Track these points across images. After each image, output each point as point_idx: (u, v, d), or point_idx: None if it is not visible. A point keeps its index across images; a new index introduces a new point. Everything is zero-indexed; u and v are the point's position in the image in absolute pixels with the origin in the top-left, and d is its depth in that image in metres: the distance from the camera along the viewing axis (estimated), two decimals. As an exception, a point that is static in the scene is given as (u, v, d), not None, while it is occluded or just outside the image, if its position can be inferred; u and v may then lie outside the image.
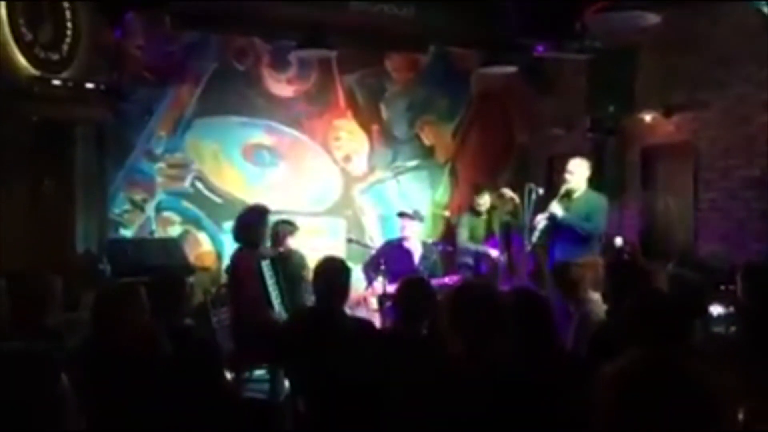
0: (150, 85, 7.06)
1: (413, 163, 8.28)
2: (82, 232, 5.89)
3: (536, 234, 6.06)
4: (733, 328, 4.01)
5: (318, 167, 7.90)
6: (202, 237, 7.37)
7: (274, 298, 5.18)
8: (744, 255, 5.79)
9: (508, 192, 6.84)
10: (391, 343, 3.64)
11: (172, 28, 6.84)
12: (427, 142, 8.36)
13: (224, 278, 6.10)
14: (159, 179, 7.22)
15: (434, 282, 6.11)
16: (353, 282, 4.16)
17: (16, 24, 5.41)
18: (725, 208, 6.47)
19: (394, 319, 4.11)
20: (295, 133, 7.79)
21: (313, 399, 3.68)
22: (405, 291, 3.77)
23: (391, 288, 5.64)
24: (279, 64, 7.62)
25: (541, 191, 6.34)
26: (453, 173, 8.46)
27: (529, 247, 6.19)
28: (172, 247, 6.61)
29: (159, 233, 7.19)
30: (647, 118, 7.03)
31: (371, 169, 8.12)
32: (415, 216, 6.84)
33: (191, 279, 5.52)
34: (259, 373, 5.43)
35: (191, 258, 6.80)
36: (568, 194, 6.04)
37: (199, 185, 7.39)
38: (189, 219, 7.35)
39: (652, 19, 5.32)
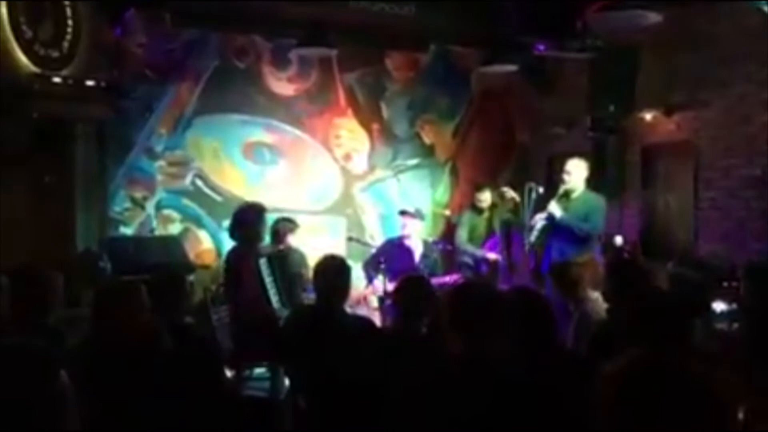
0: (150, 83, 7.05)
1: (414, 161, 8.28)
2: (82, 229, 5.89)
3: (534, 234, 6.08)
4: (735, 325, 4.01)
5: (318, 166, 7.90)
6: (203, 235, 7.37)
7: (273, 296, 5.18)
8: (744, 254, 5.79)
9: (509, 191, 6.84)
10: (391, 341, 3.64)
11: (172, 26, 6.83)
12: (427, 140, 8.36)
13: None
14: (159, 177, 7.22)
15: (435, 281, 6.12)
16: (353, 280, 4.16)
17: (16, 21, 5.41)
18: (726, 208, 6.48)
19: (393, 318, 4.11)
20: (296, 131, 7.79)
21: (314, 397, 3.68)
22: (404, 289, 3.77)
23: (392, 286, 5.64)
24: (279, 62, 7.62)
25: (541, 190, 6.34)
26: (453, 172, 8.46)
27: (527, 247, 6.20)
28: (173, 245, 6.61)
29: (159, 231, 7.19)
30: (648, 117, 7.03)
31: (371, 168, 8.12)
32: (417, 215, 6.84)
33: (191, 277, 5.51)
34: (259, 371, 5.43)
35: (191, 256, 6.80)
36: (567, 194, 6.06)
37: (200, 183, 7.39)
38: (189, 217, 7.35)
39: (653, 18, 5.31)
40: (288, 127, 7.75)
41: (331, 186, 7.97)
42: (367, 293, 6.60)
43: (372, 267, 6.50)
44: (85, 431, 1.62)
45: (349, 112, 8.01)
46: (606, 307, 3.92)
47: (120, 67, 6.48)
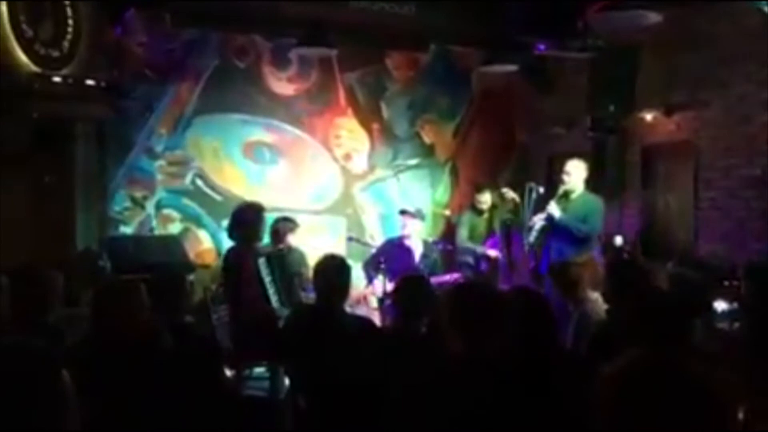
0: (150, 83, 7.05)
1: (414, 161, 8.28)
2: (82, 229, 5.89)
3: (533, 234, 6.09)
4: (736, 325, 4.01)
5: (318, 165, 7.90)
6: (202, 234, 7.38)
7: (272, 295, 5.18)
8: (744, 254, 5.79)
9: (509, 192, 6.84)
10: (391, 341, 3.64)
11: (172, 26, 6.83)
12: (427, 140, 8.36)
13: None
14: (159, 177, 7.22)
15: (434, 279, 6.14)
16: (353, 280, 4.16)
17: (16, 21, 5.41)
18: (726, 208, 6.48)
19: (393, 317, 4.11)
20: (296, 131, 7.79)
21: (313, 397, 3.68)
22: (404, 289, 3.77)
23: (392, 286, 5.64)
24: (280, 61, 7.62)
25: (541, 190, 6.35)
26: (453, 172, 8.46)
27: (527, 247, 6.22)
28: (172, 244, 6.61)
29: (159, 231, 7.19)
30: (648, 117, 7.03)
31: (371, 168, 8.12)
32: (417, 215, 6.84)
33: (191, 276, 5.52)
34: (259, 370, 5.43)
35: (191, 255, 6.80)
36: (566, 195, 6.07)
37: (200, 183, 7.39)
38: (189, 216, 7.35)
39: (654, 18, 5.31)
40: (288, 127, 7.75)
41: (331, 186, 7.97)
42: (367, 293, 6.60)
43: (372, 267, 6.50)
44: (85, 431, 1.62)
45: (349, 111, 8.01)
46: (605, 307, 3.92)
47: (120, 67, 6.49)
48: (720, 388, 1.39)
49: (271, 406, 4.74)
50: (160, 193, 7.24)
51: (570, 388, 2.35)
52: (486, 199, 7.12)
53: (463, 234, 7.10)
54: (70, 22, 5.80)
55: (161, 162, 7.23)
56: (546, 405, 2.45)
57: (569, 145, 7.44)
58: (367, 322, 4.07)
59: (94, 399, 2.59)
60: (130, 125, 6.96)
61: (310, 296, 5.26)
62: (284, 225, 6.22)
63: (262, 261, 5.22)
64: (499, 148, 8.50)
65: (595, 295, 4.16)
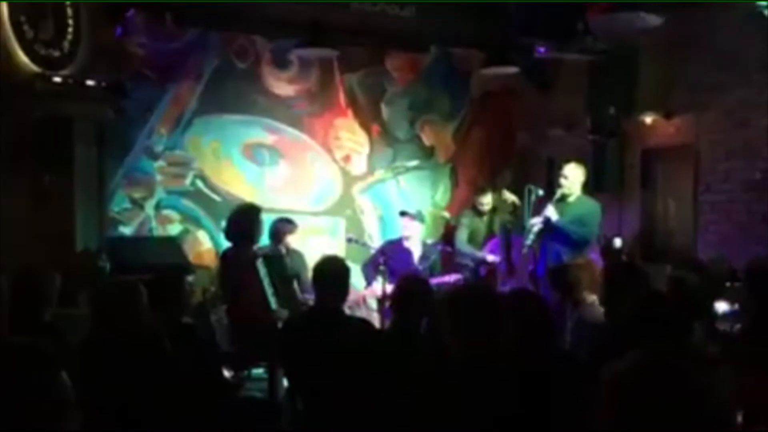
0: (151, 83, 7.05)
1: (413, 163, 8.28)
2: (81, 229, 5.88)
3: (531, 237, 6.11)
4: (738, 326, 4.02)
5: (318, 167, 7.90)
6: (202, 235, 7.37)
7: (270, 296, 5.17)
8: (744, 257, 5.79)
9: (509, 195, 6.85)
10: (390, 343, 3.64)
11: (173, 26, 6.83)
12: (427, 142, 8.35)
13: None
14: (159, 177, 7.21)
15: (434, 280, 6.14)
16: (352, 282, 4.16)
17: (17, 21, 5.41)
18: (725, 211, 6.48)
19: (392, 319, 4.11)
20: (296, 132, 7.79)
21: (312, 399, 3.68)
22: (403, 291, 3.77)
23: (391, 288, 5.64)
24: (280, 62, 7.62)
25: (540, 192, 6.36)
26: (453, 173, 8.46)
27: (525, 249, 6.23)
28: (172, 245, 6.61)
29: (158, 231, 7.18)
30: (648, 120, 7.03)
31: (371, 169, 8.12)
32: (417, 216, 6.84)
33: (190, 277, 5.52)
34: (257, 372, 5.43)
35: (190, 256, 6.79)
36: (563, 198, 6.10)
37: (199, 183, 7.38)
38: (189, 217, 7.34)
39: (654, 21, 5.32)
40: (288, 128, 7.75)
41: (330, 187, 7.97)
42: (366, 294, 6.60)
43: (371, 268, 6.50)
44: (85, 431, 1.62)
45: (350, 113, 8.01)
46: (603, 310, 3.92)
47: (120, 67, 6.48)
48: (719, 390, 1.39)
49: (270, 408, 4.73)
50: (160, 194, 7.23)
51: (569, 391, 2.35)
52: (487, 201, 7.12)
53: (462, 236, 7.10)
54: (71, 22, 5.80)
55: (161, 162, 7.22)
56: (545, 407, 2.45)
57: (569, 148, 7.44)
58: (366, 324, 4.07)
59: (94, 399, 2.59)
60: (130, 126, 6.96)
61: (309, 298, 5.26)
62: (283, 226, 6.22)
63: (260, 262, 5.22)
64: (499, 150, 8.50)
65: (593, 298, 4.17)
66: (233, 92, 7.44)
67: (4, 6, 5.34)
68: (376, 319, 6.08)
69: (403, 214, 6.92)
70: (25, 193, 5.41)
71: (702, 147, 6.68)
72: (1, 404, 1.48)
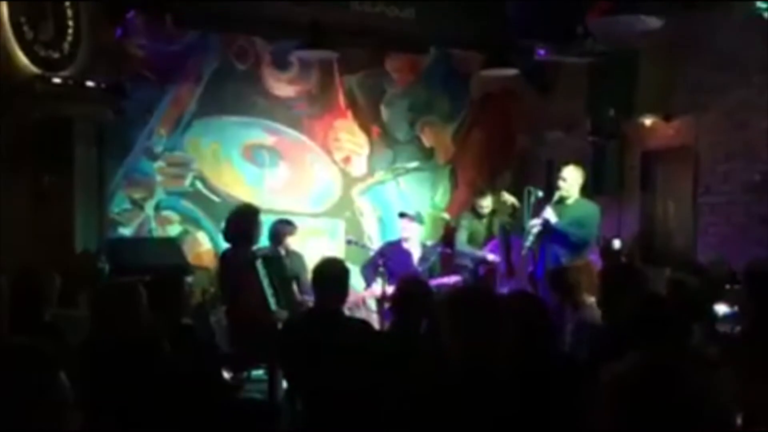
0: (150, 84, 7.05)
1: (413, 164, 8.28)
2: (81, 230, 5.88)
3: (530, 239, 6.13)
4: (738, 328, 4.02)
5: (318, 168, 7.90)
6: (201, 236, 7.37)
7: (270, 297, 5.17)
8: (743, 259, 5.79)
9: (509, 198, 6.86)
10: (390, 344, 3.65)
11: (173, 28, 6.84)
12: (427, 143, 8.36)
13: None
14: (158, 178, 7.21)
15: (434, 281, 6.15)
16: (352, 283, 4.16)
17: (17, 22, 5.41)
18: (725, 213, 6.49)
19: (392, 321, 4.11)
20: (295, 133, 7.79)
21: (311, 400, 3.68)
22: (403, 292, 3.78)
23: (391, 289, 5.64)
24: (280, 64, 7.62)
25: (540, 194, 6.37)
26: (453, 175, 8.46)
27: (524, 251, 6.25)
28: (171, 246, 6.61)
29: (158, 232, 7.18)
30: (647, 122, 7.03)
31: (371, 171, 8.12)
32: (416, 218, 6.85)
33: (190, 278, 5.52)
34: (257, 373, 5.43)
35: (190, 257, 6.80)
36: (562, 200, 6.12)
37: (199, 185, 7.38)
38: (188, 218, 7.34)
39: (654, 23, 5.32)
40: (288, 129, 7.75)
41: (330, 188, 7.97)
42: (365, 296, 6.60)
43: (371, 270, 6.50)
44: (83, 432, 1.62)
45: (349, 114, 8.01)
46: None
47: (120, 69, 6.48)
48: (718, 391, 1.39)
49: (269, 409, 4.73)
50: (160, 195, 7.23)
51: (569, 393, 2.35)
52: (487, 203, 7.12)
53: (462, 237, 7.11)
54: (71, 23, 5.80)
55: (161, 163, 7.22)
56: (545, 409, 2.45)
57: (569, 150, 7.44)
58: (365, 325, 4.07)
59: (93, 400, 2.59)
60: (130, 127, 6.96)
61: (308, 299, 5.26)
62: (283, 228, 6.22)
63: (259, 263, 5.22)
64: (499, 152, 8.50)
65: (593, 299, 4.17)
66: (233, 93, 7.44)
67: (4, 7, 5.34)
68: (375, 321, 6.08)
69: (402, 215, 6.92)
70: (24, 193, 5.41)
71: (701, 149, 6.69)
72: (1, 404, 1.48)
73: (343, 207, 7.98)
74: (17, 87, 5.35)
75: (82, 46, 5.87)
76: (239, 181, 7.53)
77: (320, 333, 3.67)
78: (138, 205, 7.12)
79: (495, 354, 2.47)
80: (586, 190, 6.29)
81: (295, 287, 5.73)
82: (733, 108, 6.38)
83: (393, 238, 7.11)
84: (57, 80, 5.56)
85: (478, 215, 7.17)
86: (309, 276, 4.48)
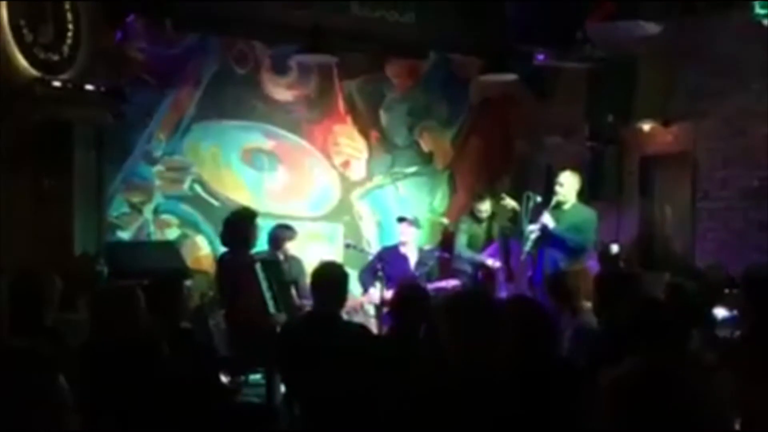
0: (150, 88, 7.05)
1: (412, 169, 8.29)
2: (79, 233, 5.87)
3: (528, 244, 6.14)
4: (737, 332, 4.03)
5: (317, 172, 7.90)
6: (200, 240, 7.36)
7: (268, 299, 5.17)
8: (741, 265, 5.79)
9: (509, 202, 6.87)
10: (388, 349, 3.65)
11: (173, 31, 6.84)
12: (426, 148, 8.36)
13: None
14: (157, 182, 7.21)
15: (432, 285, 6.16)
16: (350, 288, 4.16)
17: (16, 25, 5.41)
18: (723, 218, 6.50)
19: (390, 325, 4.11)
20: (295, 137, 7.79)
21: (309, 404, 3.67)
22: (401, 297, 3.78)
23: (389, 293, 5.64)
24: (279, 68, 7.62)
25: (539, 199, 6.38)
26: (451, 180, 8.47)
27: (523, 256, 6.27)
28: (170, 250, 6.60)
29: (157, 236, 7.17)
30: (646, 127, 7.05)
31: (370, 175, 8.12)
32: (414, 222, 6.85)
33: (188, 282, 5.51)
34: (255, 377, 5.42)
35: (189, 261, 6.79)
36: (558, 206, 6.14)
37: (198, 189, 7.38)
38: (187, 222, 7.33)
39: (653, 29, 5.34)
40: (287, 134, 7.75)
41: (329, 193, 7.97)
42: (363, 301, 6.60)
43: (369, 274, 6.51)
44: (82, 435, 1.62)
45: (348, 119, 8.02)
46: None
47: (120, 72, 6.48)
48: (716, 396, 1.40)
49: (267, 413, 4.73)
50: (158, 199, 7.22)
51: (568, 397, 2.35)
52: (486, 207, 7.13)
53: (461, 241, 7.12)
54: (71, 26, 5.80)
55: (160, 167, 7.21)
56: (544, 414, 2.45)
57: (567, 155, 7.45)
58: (364, 329, 4.07)
59: (92, 403, 2.59)
60: (130, 130, 6.95)
61: (306, 303, 5.26)
62: (282, 232, 6.23)
63: (258, 266, 5.22)
64: (498, 157, 8.51)
65: (590, 305, 4.18)
66: (232, 98, 7.44)
67: (4, 10, 5.34)
68: (373, 325, 6.07)
69: (401, 219, 6.93)
70: (24, 196, 5.40)
71: (700, 155, 6.70)
72: (2, 408, 1.48)
73: (342, 211, 7.98)
74: (17, 90, 5.34)
75: (82, 49, 5.87)
76: (238, 185, 7.53)
77: (318, 337, 3.67)
78: (137, 209, 7.11)
79: (494, 358, 2.47)
80: (584, 196, 6.31)
81: (293, 291, 5.73)
82: (732, 114, 6.40)
83: (391, 242, 7.11)
84: (56, 83, 5.56)
85: (477, 220, 7.18)
86: (308, 280, 4.48)
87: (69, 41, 5.79)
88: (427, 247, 7.25)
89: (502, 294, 6.36)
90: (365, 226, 8.08)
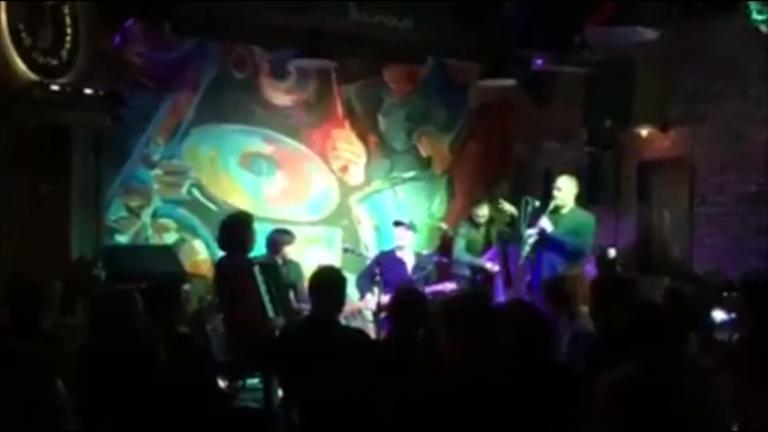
0: (149, 92, 7.05)
1: (410, 173, 8.29)
2: (77, 237, 5.87)
3: (526, 248, 6.15)
4: (736, 336, 4.03)
5: (315, 177, 7.91)
6: (198, 244, 7.36)
7: (267, 303, 5.16)
8: (739, 270, 5.80)
9: (507, 206, 6.87)
10: (386, 353, 3.64)
11: (171, 36, 6.85)
12: (424, 153, 8.37)
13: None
14: (156, 186, 7.21)
15: (430, 289, 6.16)
16: (348, 293, 4.16)
17: (15, 29, 5.42)
18: (721, 223, 6.51)
19: (388, 330, 4.11)
20: (293, 142, 7.80)
21: (307, 409, 3.67)
22: (399, 301, 3.78)
23: (387, 298, 5.64)
24: (278, 73, 7.63)
25: (537, 203, 6.39)
26: (450, 184, 8.47)
27: (521, 260, 6.28)
28: (168, 254, 6.60)
29: (155, 240, 7.17)
30: (644, 132, 7.06)
31: (368, 180, 8.13)
32: (410, 226, 6.86)
33: (186, 286, 5.50)
34: (252, 381, 5.42)
35: (187, 265, 6.78)
36: (557, 210, 6.16)
37: (196, 193, 7.38)
38: (185, 226, 7.33)
39: (650, 35, 5.36)
40: (285, 138, 7.76)
41: (327, 197, 7.97)
42: (361, 306, 6.59)
43: (367, 279, 6.50)
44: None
45: (347, 123, 8.02)
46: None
47: (118, 76, 6.49)
48: (714, 400, 1.40)
49: (264, 418, 4.72)
50: (157, 203, 7.22)
51: (566, 401, 2.35)
52: (484, 212, 7.14)
53: (460, 245, 7.12)
54: (69, 30, 5.81)
55: (158, 171, 7.22)
56: (542, 417, 2.45)
57: (566, 159, 7.46)
58: (361, 334, 4.07)
59: (89, 407, 2.58)
60: (128, 134, 6.95)
61: (304, 307, 5.26)
62: (281, 237, 6.23)
63: (256, 269, 5.21)
64: (496, 161, 8.52)
65: (587, 309, 4.18)
66: (231, 102, 7.45)
67: (3, 14, 5.34)
68: (371, 330, 6.07)
69: (397, 224, 6.94)
70: (22, 200, 5.40)
71: (697, 160, 6.71)
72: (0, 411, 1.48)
73: (341, 216, 7.99)
74: (15, 94, 5.35)
75: (81, 54, 5.88)
76: (237, 189, 7.53)
77: (317, 341, 3.67)
78: (135, 213, 7.11)
79: (492, 362, 2.47)
80: (582, 200, 6.32)
81: (291, 295, 5.72)
82: (730, 119, 6.41)
83: (389, 246, 7.11)
84: (55, 87, 5.56)
85: (476, 224, 7.19)
86: (306, 284, 4.48)
87: (68, 45, 5.79)
88: (425, 251, 7.25)
89: (501, 298, 6.37)
90: (363, 230, 8.08)
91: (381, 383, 3.15)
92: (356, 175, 8.09)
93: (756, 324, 3.34)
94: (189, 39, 7.15)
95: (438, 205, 8.42)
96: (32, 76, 5.50)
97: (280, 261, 6.10)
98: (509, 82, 7.35)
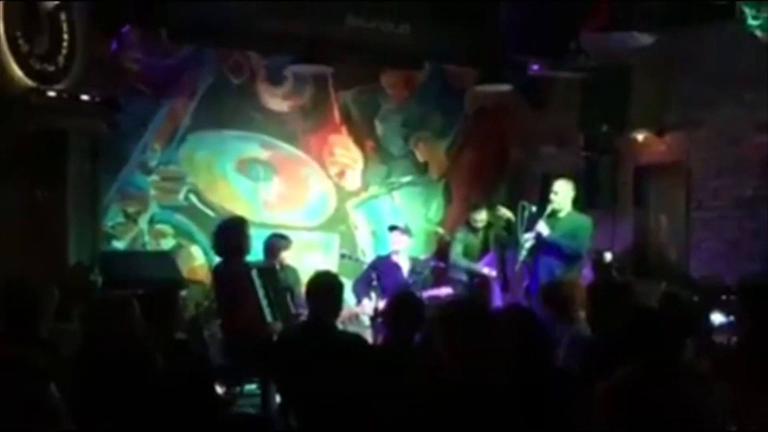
0: (145, 98, 7.05)
1: (407, 179, 8.30)
2: (74, 243, 5.87)
3: (524, 253, 6.17)
4: (734, 339, 4.04)
5: (312, 182, 7.91)
6: (195, 250, 7.35)
7: (265, 307, 5.16)
8: (735, 274, 5.82)
9: (505, 212, 6.88)
10: (383, 358, 3.64)
11: (168, 42, 6.86)
12: (421, 158, 8.38)
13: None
14: (152, 192, 7.20)
15: (427, 294, 6.16)
16: (345, 298, 4.16)
17: (12, 35, 5.43)
18: (717, 228, 6.52)
19: (385, 335, 4.11)
20: (290, 148, 7.80)
21: (305, 414, 3.67)
22: (395, 306, 3.78)
23: (384, 303, 5.64)
24: (275, 79, 7.63)
25: (534, 208, 6.41)
26: (447, 189, 8.48)
27: (518, 266, 6.29)
28: (165, 260, 6.59)
29: (152, 246, 7.16)
30: (640, 137, 7.08)
31: (365, 185, 8.13)
32: (405, 231, 6.87)
33: (183, 292, 5.50)
34: (250, 387, 5.41)
35: (184, 271, 6.78)
36: (554, 214, 6.17)
37: (193, 198, 7.37)
38: (182, 232, 7.33)
39: (646, 40, 5.38)
40: (282, 144, 7.76)
41: (324, 202, 7.97)
42: (358, 311, 6.59)
43: (364, 284, 6.50)
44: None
45: (344, 129, 8.03)
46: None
47: (115, 82, 6.49)
48: (711, 403, 1.40)
49: (262, 423, 4.71)
50: (153, 209, 7.22)
51: (564, 405, 2.35)
52: (482, 217, 7.15)
53: (457, 250, 7.13)
54: (66, 37, 5.82)
55: (155, 177, 7.21)
56: (539, 423, 2.45)
57: (562, 164, 7.48)
58: (358, 339, 4.07)
59: (85, 414, 2.58)
60: (125, 140, 6.95)
61: (302, 312, 5.25)
62: (278, 242, 6.22)
63: (254, 274, 5.21)
64: (493, 166, 8.53)
65: (584, 314, 4.18)
66: (228, 108, 7.45)
67: (0, 21, 5.35)
68: (368, 335, 6.07)
69: (392, 228, 6.95)
70: (19, 206, 5.40)
71: (693, 164, 6.73)
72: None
73: (338, 221, 7.99)
74: (12, 100, 5.35)
75: (77, 60, 5.88)
76: (234, 195, 7.53)
77: (314, 346, 3.67)
78: (132, 219, 7.10)
79: (489, 366, 2.47)
80: (579, 204, 6.34)
81: (289, 300, 5.71)
82: (725, 124, 6.43)
83: (386, 251, 7.11)
84: (52, 93, 5.57)
85: (473, 229, 7.19)
86: (303, 290, 4.48)
87: (64, 51, 5.80)
88: (422, 256, 7.25)
89: (498, 303, 6.37)
90: (360, 235, 8.08)
91: (378, 388, 3.15)
92: (353, 180, 8.09)
93: (753, 328, 3.35)
94: (186, 45, 7.16)
95: (435, 210, 8.43)
96: (29, 82, 5.51)
97: (277, 266, 6.10)
98: (506, 87, 7.37)
